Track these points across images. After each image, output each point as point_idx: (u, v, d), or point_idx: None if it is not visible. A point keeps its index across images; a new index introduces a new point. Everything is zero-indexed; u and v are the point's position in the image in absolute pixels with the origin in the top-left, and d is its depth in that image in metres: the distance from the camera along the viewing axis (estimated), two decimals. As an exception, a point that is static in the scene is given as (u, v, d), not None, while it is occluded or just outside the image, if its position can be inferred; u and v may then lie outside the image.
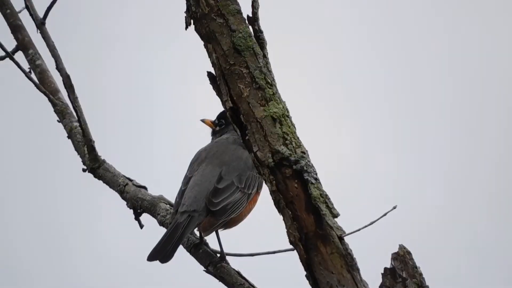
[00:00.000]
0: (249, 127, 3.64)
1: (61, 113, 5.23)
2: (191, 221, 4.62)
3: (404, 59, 6.87)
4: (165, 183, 5.16)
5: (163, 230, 4.85)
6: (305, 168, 3.61)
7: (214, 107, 4.94)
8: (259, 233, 5.05)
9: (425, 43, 6.92)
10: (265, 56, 3.67)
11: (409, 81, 6.88)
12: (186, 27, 3.71)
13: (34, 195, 6.50)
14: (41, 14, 5.26)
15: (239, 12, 3.67)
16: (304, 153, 3.64)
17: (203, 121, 5.05)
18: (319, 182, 3.63)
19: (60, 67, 5.12)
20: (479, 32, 6.93)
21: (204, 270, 4.75)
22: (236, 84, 3.65)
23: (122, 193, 5.02)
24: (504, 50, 6.85)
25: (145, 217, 5.00)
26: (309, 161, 3.63)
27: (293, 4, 6.44)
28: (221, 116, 5.00)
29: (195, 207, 4.66)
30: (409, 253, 3.67)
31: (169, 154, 6.15)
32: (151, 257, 4.52)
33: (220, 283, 4.71)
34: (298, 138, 3.66)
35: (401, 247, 3.67)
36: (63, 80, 5.05)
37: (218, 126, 5.03)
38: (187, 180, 4.79)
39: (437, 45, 6.92)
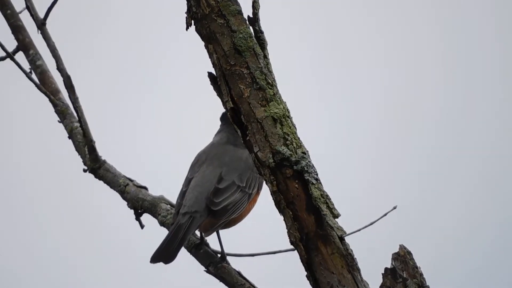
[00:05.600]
0: (250, 128, 3.65)
1: (61, 113, 5.23)
2: (192, 222, 4.63)
3: (407, 58, 6.88)
4: (166, 183, 5.17)
5: (164, 230, 4.86)
6: (305, 169, 3.62)
7: (214, 107, 4.95)
8: (260, 233, 5.05)
9: (426, 42, 6.93)
10: (265, 57, 3.68)
11: (411, 81, 6.88)
12: (187, 28, 3.71)
13: (34, 195, 6.50)
14: (41, 15, 5.26)
15: (239, 12, 3.68)
16: (305, 153, 3.65)
17: None
18: (320, 183, 3.64)
19: (60, 68, 5.13)
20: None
21: (204, 270, 4.76)
22: (237, 84, 3.65)
23: (123, 193, 5.03)
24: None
25: (146, 218, 5.01)
26: (309, 161, 3.64)
27: (294, 4, 6.44)
28: (221, 117, 5.02)
29: (196, 208, 4.67)
30: (409, 253, 3.67)
31: (169, 155, 6.15)
32: (154, 259, 4.53)
33: (221, 283, 4.72)
34: (298, 138, 3.67)
35: (402, 247, 3.68)
36: (63, 81, 5.06)
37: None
38: (188, 181, 4.80)
39: (437, 46, 6.93)
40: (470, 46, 6.90)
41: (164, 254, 4.53)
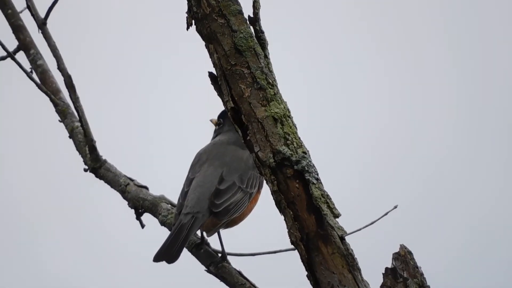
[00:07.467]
0: (250, 127, 3.65)
1: (62, 113, 5.23)
2: (195, 222, 4.64)
3: (409, 58, 6.87)
4: (167, 183, 5.17)
5: (164, 230, 4.86)
6: (306, 168, 3.62)
7: (215, 107, 4.95)
8: (260, 233, 5.05)
9: (428, 41, 6.93)
10: (266, 57, 3.68)
11: (413, 81, 6.88)
12: (188, 28, 3.71)
13: (35, 194, 6.51)
14: (42, 14, 5.27)
15: (240, 12, 3.68)
16: (305, 153, 3.65)
17: (211, 121, 5.07)
18: (320, 182, 3.64)
19: (61, 67, 5.13)
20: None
21: (205, 270, 4.76)
22: (238, 84, 3.66)
23: (124, 193, 5.03)
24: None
25: (147, 217, 5.02)
26: (310, 161, 3.64)
27: (294, 4, 6.44)
28: (221, 115, 5.02)
29: (198, 208, 4.68)
30: (410, 253, 3.67)
31: (170, 154, 6.16)
32: (157, 258, 4.53)
33: (222, 283, 4.72)
34: (299, 138, 3.67)
35: (402, 247, 3.68)
36: (64, 80, 5.06)
37: (218, 125, 5.05)
38: (189, 181, 4.80)
39: (441, 43, 6.93)
40: (472, 47, 6.91)
41: (167, 254, 4.53)
